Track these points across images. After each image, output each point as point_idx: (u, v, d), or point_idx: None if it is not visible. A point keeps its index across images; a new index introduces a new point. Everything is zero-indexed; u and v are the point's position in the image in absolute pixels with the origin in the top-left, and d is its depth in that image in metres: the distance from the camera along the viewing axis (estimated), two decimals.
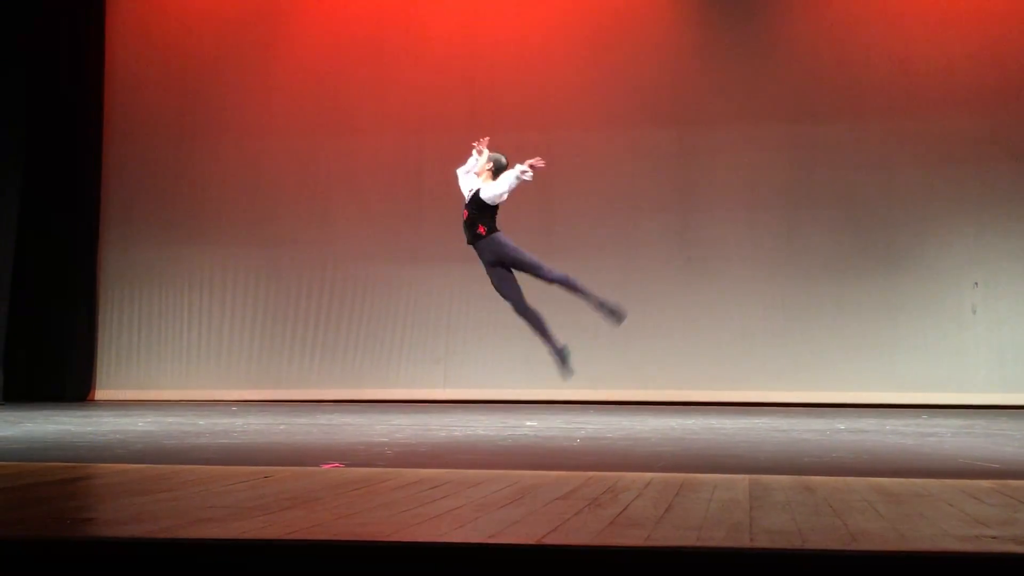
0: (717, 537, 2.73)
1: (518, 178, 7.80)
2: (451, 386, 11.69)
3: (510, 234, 11.69)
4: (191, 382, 11.89)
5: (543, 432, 7.13)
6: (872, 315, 11.21)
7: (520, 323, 11.67)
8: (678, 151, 11.73)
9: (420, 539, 2.70)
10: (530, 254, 7.99)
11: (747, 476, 4.14)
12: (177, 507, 3.28)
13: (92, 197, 12.15)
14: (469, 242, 8.03)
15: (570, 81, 11.84)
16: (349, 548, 2.64)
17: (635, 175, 11.74)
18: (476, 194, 7.97)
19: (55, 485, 3.89)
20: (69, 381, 11.80)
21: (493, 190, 7.93)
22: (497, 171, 8.04)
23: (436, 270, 11.87)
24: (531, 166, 7.75)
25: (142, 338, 12.16)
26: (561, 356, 7.97)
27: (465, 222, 8.02)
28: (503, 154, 8.14)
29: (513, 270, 8.00)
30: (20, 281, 11.16)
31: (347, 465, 4.65)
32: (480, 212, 7.96)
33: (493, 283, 8.03)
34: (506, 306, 11.44)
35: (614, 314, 8.01)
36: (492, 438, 6.63)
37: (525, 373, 11.57)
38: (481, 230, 7.93)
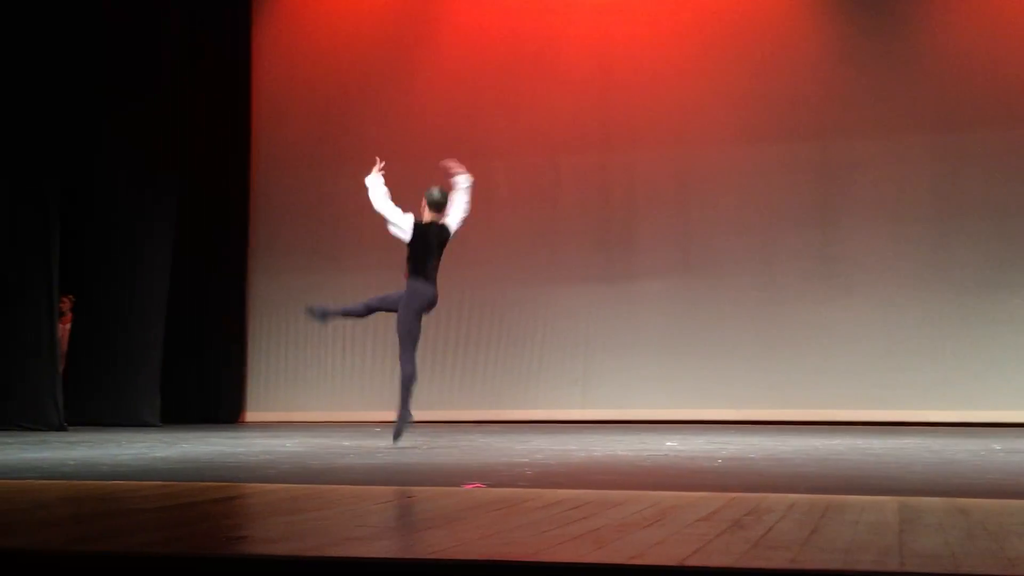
0: (865, 560, 2.66)
1: (468, 188, 7.68)
2: (589, 406, 11.68)
3: (653, 245, 11.64)
4: (336, 404, 12.18)
5: (683, 452, 7.05)
6: None
7: (660, 343, 11.63)
8: (819, 165, 11.50)
9: (562, 559, 2.71)
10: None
11: (896, 498, 4.02)
12: (325, 526, 3.37)
13: (242, 226, 12.61)
14: (415, 274, 7.66)
15: (705, 96, 11.74)
16: (492, 567, 2.67)
17: (774, 190, 11.55)
18: (446, 230, 7.70)
19: (210, 504, 4.04)
20: (221, 404, 12.25)
21: (457, 212, 7.72)
22: (432, 204, 7.74)
23: (572, 290, 11.89)
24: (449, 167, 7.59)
25: (289, 362, 12.52)
26: (399, 425, 7.46)
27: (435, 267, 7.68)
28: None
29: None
30: (175, 309, 11.63)
31: (488, 485, 4.69)
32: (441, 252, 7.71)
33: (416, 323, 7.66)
34: (643, 325, 11.35)
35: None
36: (632, 458, 6.59)
37: (664, 393, 11.48)
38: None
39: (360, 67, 12.63)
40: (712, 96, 11.73)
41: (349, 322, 12.33)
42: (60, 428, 9.94)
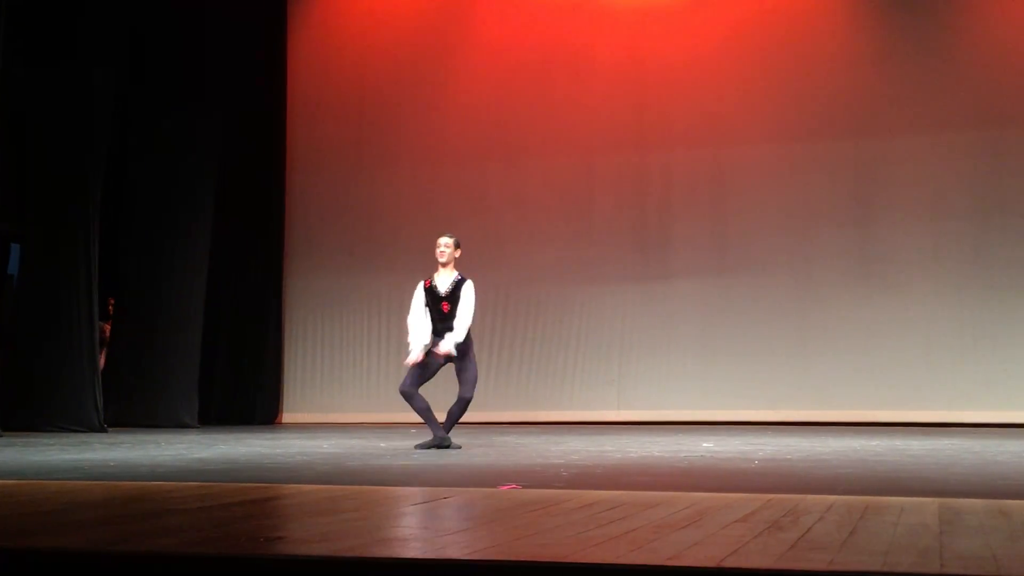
0: (905, 562, 2.63)
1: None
2: (625, 407, 11.65)
3: (688, 245, 11.58)
4: (372, 405, 12.23)
5: (720, 453, 7.02)
6: None
7: (696, 344, 11.59)
8: (856, 163, 11.41)
9: (598, 560, 2.70)
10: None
11: (936, 499, 3.98)
12: (361, 527, 3.38)
13: (277, 228, 12.70)
14: (439, 334, 7.46)
15: (741, 96, 11.69)
16: (528, 568, 2.66)
17: (811, 189, 11.48)
18: (461, 284, 7.51)
19: (248, 505, 4.07)
20: (258, 405, 12.33)
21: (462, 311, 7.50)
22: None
23: (608, 291, 11.87)
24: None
25: (325, 364, 12.59)
26: (440, 445, 7.45)
27: (445, 314, 7.49)
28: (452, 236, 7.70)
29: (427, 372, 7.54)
30: (212, 312, 11.72)
31: (524, 486, 4.69)
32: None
33: (421, 374, 7.51)
34: (679, 326, 11.37)
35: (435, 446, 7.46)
36: (668, 459, 6.57)
37: (701, 393, 11.44)
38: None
39: (395, 70, 12.68)
40: (748, 96, 11.67)
41: (383, 321, 12.40)
42: (100, 429, 10.05)
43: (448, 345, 7.44)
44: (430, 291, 7.63)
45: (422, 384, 7.57)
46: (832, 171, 11.46)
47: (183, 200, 11.52)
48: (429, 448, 7.44)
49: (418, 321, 7.64)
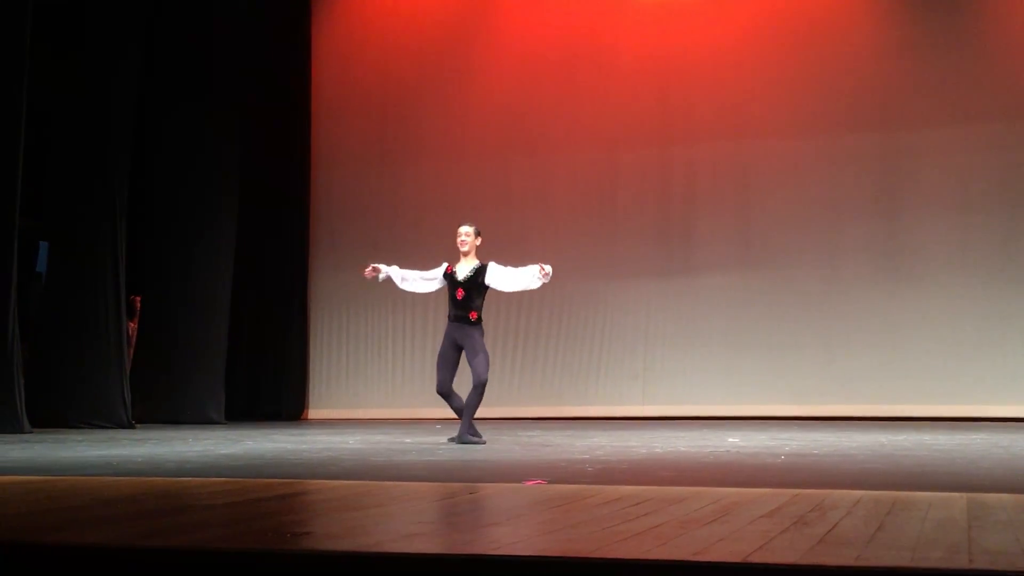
0: (933, 557, 2.62)
1: (537, 278, 7.47)
2: (650, 402, 11.62)
3: (713, 239, 11.54)
4: (396, 401, 12.26)
5: (746, 449, 6.99)
6: None
7: (721, 338, 11.55)
8: (882, 155, 11.33)
9: (624, 556, 2.70)
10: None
11: (964, 494, 3.95)
12: (387, 522, 3.39)
13: (302, 224, 12.74)
14: (453, 320, 7.55)
15: (765, 88, 11.62)
16: (553, 564, 2.67)
17: (836, 181, 11.40)
18: (483, 271, 7.56)
19: (275, 500, 4.09)
20: (284, 401, 12.39)
21: (510, 281, 7.53)
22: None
23: (632, 286, 11.84)
24: (544, 273, 7.41)
25: (350, 360, 12.62)
26: (462, 440, 7.48)
27: (460, 300, 7.53)
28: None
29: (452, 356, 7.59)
30: (238, 308, 11.78)
31: (549, 482, 4.69)
32: (479, 294, 7.56)
33: (441, 353, 7.61)
34: (704, 320, 11.33)
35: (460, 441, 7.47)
36: (694, 455, 6.55)
37: (726, 388, 11.39)
38: (473, 315, 7.50)
39: (418, 66, 12.69)
40: (772, 89, 11.61)
41: (408, 317, 12.41)
42: (128, 426, 10.12)
43: (536, 270, 7.49)
44: (450, 276, 7.71)
45: (452, 379, 7.60)
46: (858, 164, 11.38)
47: (208, 197, 11.58)
48: (460, 443, 7.49)
49: (408, 274, 7.86)
